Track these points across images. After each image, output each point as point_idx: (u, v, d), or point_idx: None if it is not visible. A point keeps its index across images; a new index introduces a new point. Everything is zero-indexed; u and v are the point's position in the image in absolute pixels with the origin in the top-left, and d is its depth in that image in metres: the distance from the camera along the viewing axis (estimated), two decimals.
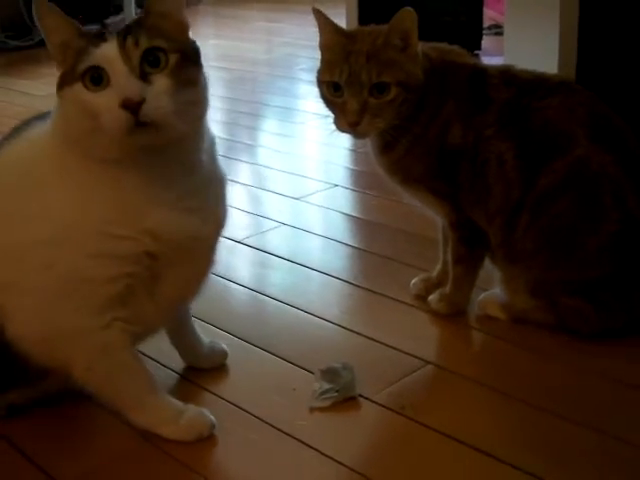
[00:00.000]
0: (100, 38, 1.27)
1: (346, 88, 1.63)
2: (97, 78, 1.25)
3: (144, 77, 1.25)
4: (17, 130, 1.46)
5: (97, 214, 1.32)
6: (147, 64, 1.26)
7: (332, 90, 1.66)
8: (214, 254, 1.49)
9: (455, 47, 1.79)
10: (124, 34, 1.26)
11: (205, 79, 1.36)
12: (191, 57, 1.33)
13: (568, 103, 1.67)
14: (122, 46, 1.25)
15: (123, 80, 1.24)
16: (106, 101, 1.24)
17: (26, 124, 1.46)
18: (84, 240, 1.33)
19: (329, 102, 1.69)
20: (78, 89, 1.27)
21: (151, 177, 1.33)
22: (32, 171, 1.38)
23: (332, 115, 1.69)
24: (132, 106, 1.22)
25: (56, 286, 1.34)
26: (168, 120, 1.26)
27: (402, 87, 1.63)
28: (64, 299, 1.35)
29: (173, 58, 1.28)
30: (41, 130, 1.40)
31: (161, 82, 1.26)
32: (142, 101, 1.23)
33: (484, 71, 1.74)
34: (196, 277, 1.48)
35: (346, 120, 1.64)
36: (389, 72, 1.62)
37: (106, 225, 1.32)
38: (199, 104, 1.35)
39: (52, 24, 1.30)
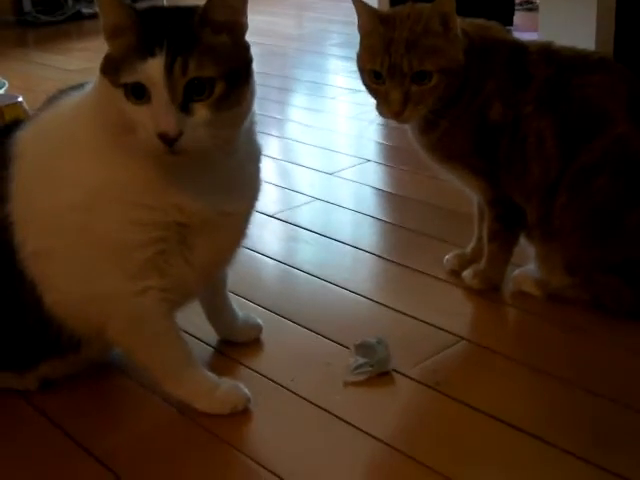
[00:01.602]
0: (148, 51, 1.21)
1: (388, 78, 1.62)
2: (139, 92, 1.22)
3: (185, 107, 1.22)
4: (53, 99, 1.46)
5: (126, 184, 1.33)
6: (192, 91, 1.22)
7: (374, 78, 1.65)
8: (247, 226, 1.49)
9: (493, 23, 1.77)
10: (173, 52, 1.20)
11: (253, 87, 1.32)
12: (241, 75, 1.28)
13: (608, 81, 1.66)
14: (169, 69, 1.20)
15: (162, 110, 1.20)
16: (144, 120, 1.22)
17: (62, 93, 1.45)
18: (114, 207, 1.33)
19: (371, 89, 1.68)
20: (119, 96, 1.24)
21: (183, 166, 1.32)
22: (67, 138, 1.38)
23: (374, 101, 1.68)
24: (167, 140, 1.21)
25: (90, 249, 1.35)
26: (204, 148, 1.25)
27: (443, 73, 1.62)
28: (98, 262, 1.36)
29: (219, 87, 1.23)
30: (78, 99, 1.40)
31: (202, 113, 1.23)
32: (179, 135, 1.21)
33: (525, 48, 1.72)
34: (228, 246, 1.48)
35: (389, 109, 1.64)
36: (430, 60, 1.61)
37: (135, 195, 1.33)
38: (242, 120, 1.33)
39: (105, 4, 1.26)
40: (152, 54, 1.21)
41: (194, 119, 1.22)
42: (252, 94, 1.33)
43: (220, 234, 1.41)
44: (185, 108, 1.22)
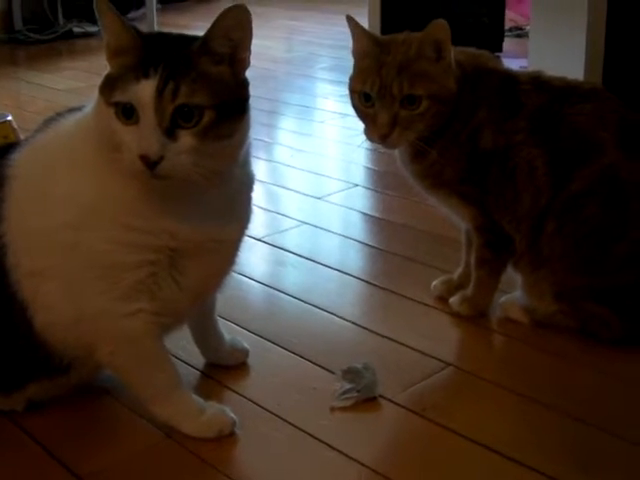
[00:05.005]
0: (143, 72, 1.22)
1: (377, 100, 1.63)
2: (129, 113, 1.23)
3: (171, 132, 1.22)
4: (49, 121, 1.46)
5: (120, 205, 1.33)
6: (179, 116, 1.23)
7: (363, 100, 1.66)
8: (237, 252, 1.49)
9: (484, 51, 1.79)
10: (166, 76, 1.22)
11: (247, 122, 1.33)
12: (235, 108, 1.29)
13: (599, 110, 1.67)
14: (160, 92, 1.21)
15: (147, 133, 1.21)
16: (129, 141, 1.23)
17: (59, 115, 1.46)
18: (106, 226, 1.33)
19: (360, 112, 1.69)
20: (110, 114, 1.25)
21: (174, 192, 1.32)
22: (63, 158, 1.38)
23: (363, 125, 1.69)
24: (148, 164, 1.21)
25: (81, 269, 1.35)
26: (186, 176, 1.25)
27: (433, 100, 1.63)
28: (89, 282, 1.36)
29: (207, 116, 1.24)
30: (77, 119, 1.40)
31: (186, 141, 1.23)
32: (160, 159, 1.21)
33: (515, 77, 1.73)
34: (219, 271, 1.49)
35: (376, 132, 1.64)
36: (420, 84, 1.62)
37: (128, 217, 1.33)
38: (231, 153, 1.33)
39: (109, 25, 1.27)
40: (146, 76, 1.22)
41: (177, 145, 1.23)
42: (246, 129, 1.33)
43: (211, 260, 1.41)
44: (170, 133, 1.23)
